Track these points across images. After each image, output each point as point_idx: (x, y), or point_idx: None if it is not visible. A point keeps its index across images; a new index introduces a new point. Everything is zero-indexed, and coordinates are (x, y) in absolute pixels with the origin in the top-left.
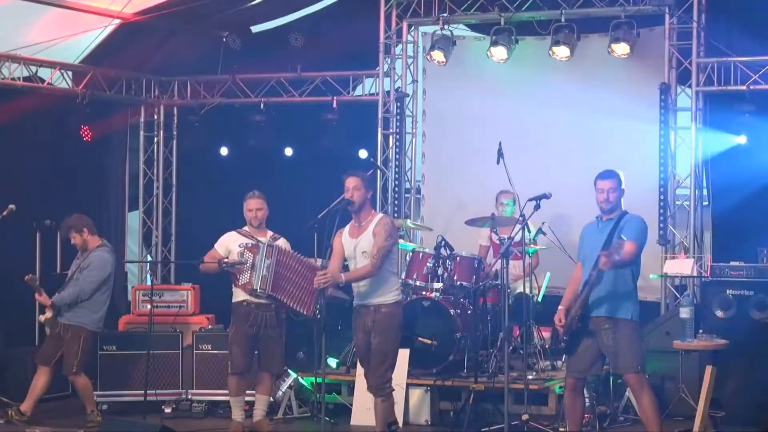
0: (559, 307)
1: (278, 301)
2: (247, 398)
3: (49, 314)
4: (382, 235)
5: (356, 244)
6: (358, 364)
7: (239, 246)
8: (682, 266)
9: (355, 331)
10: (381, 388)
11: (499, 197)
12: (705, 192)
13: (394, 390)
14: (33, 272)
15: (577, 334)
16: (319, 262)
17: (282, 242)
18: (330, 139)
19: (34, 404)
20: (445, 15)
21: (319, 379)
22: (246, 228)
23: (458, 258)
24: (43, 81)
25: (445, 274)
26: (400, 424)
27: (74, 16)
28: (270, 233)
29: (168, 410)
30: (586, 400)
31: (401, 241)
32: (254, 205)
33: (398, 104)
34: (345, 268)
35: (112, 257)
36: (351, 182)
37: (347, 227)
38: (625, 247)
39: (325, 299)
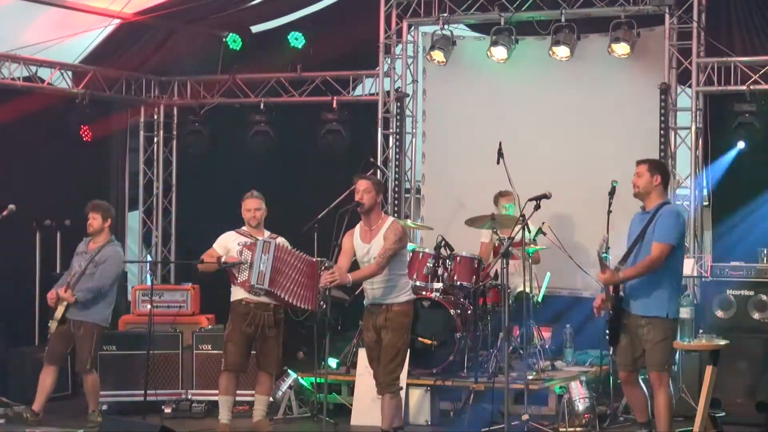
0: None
1: (276, 297)
2: (246, 398)
3: (62, 310)
4: (391, 239)
5: (369, 249)
6: (358, 365)
7: (238, 245)
8: None
9: (365, 330)
10: (390, 385)
11: (499, 200)
12: (705, 192)
13: (402, 389)
14: (33, 272)
15: (617, 327)
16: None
17: (281, 240)
18: (329, 139)
19: (44, 403)
20: (445, 15)
21: (319, 379)
22: (244, 228)
23: (458, 258)
24: (43, 81)
25: (445, 274)
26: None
27: (74, 16)
28: (267, 233)
29: (168, 410)
30: (587, 399)
31: None
32: (252, 205)
33: (398, 104)
34: (352, 267)
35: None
36: (361, 185)
37: (358, 229)
38: (652, 250)
39: (329, 299)
